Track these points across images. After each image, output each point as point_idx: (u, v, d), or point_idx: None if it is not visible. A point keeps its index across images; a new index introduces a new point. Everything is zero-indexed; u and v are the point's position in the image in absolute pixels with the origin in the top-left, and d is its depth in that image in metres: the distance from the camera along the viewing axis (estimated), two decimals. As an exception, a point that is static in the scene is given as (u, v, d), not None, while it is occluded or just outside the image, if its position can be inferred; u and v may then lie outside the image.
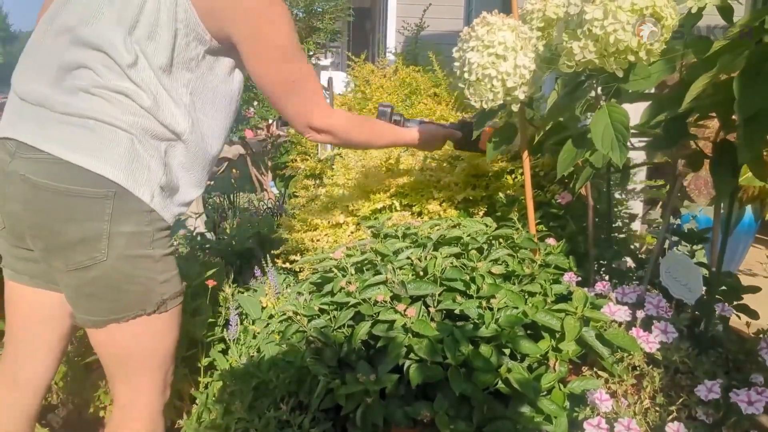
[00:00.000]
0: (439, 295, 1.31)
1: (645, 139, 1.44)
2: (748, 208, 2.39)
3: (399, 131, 1.49)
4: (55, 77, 1.07)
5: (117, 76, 1.05)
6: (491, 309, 1.25)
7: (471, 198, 2.02)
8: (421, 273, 1.39)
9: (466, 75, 1.36)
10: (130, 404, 1.17)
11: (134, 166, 1.04)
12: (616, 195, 2.02)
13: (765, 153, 1.23)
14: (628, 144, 1.23)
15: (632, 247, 1.91)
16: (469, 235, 1.50)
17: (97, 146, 1.02)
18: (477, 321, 1.25)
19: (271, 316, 1.69)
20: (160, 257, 1.09)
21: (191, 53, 1.10)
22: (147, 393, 1.16)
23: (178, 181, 1.14)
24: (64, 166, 1.01)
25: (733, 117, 1.10)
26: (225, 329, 1.69)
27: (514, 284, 1.38)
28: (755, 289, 1.48)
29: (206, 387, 1.62)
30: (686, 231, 1.74)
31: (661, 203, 2.62)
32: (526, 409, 1.19)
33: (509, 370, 1.18)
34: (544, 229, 1.63)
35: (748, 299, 1.47)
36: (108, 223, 1.02)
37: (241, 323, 1.72)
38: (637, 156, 1.98)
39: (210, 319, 1.68)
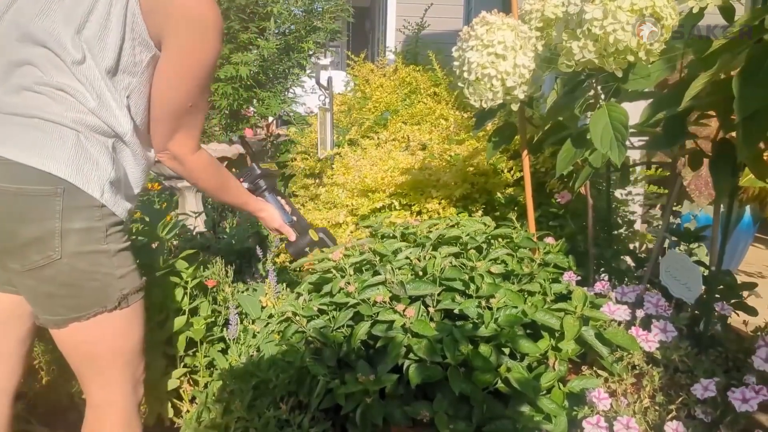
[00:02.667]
0: (438, 294, 1.31)
1: (645, 138, 1.44)
2: (748, 207, 2.40)
3: (247, 197, 1.46)
4: (2, 76, 1.07)
5: (62, 74, 1.05)
6: (490, 308, 1.25)
7: (468, 195, 2.03)
8: (420, 273, 1.39)
9: (465, 74, 1.36)
10: (102, 404, 1.16)
11: (82, 162, 1.04)
12: (617, 195, 2.02)
13: (766, 155, 1.23)
14: (627, 143, 1.23)
15: (632, 246, 1.91)
16: (468, 235, 1.49)
17: (44, 144, 1.02)
18: (476, 320, 1.25)
19: (270, 316, 1.69)
20: (115, 252, 1.09)
21: (136, 58, 1.10)
22: (118, 391, 1.16)
23: (126, 177, 1.14)
24: (10, 166, 1.00)
25: (733, 116, 1.10)
26: (224, 328, 1.69)
27: (513, 283, 1.37)
28: (752, 286, 1.48)
29: (206, 386, 1.62)
30: (682, 230, 1.74)
31: (660, 204, 2.62)
32: (525, 408, 1.19)
33: (509, 370, 1.17)
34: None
35: (748, 298, 1.47)
36: (59, 220, 1.01)
37: (241, 323, 1.71)
38: (639, 156, 1.98)
39: (209, 319, 1.68)
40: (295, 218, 1.57)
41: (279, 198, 1.58)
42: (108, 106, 1.07)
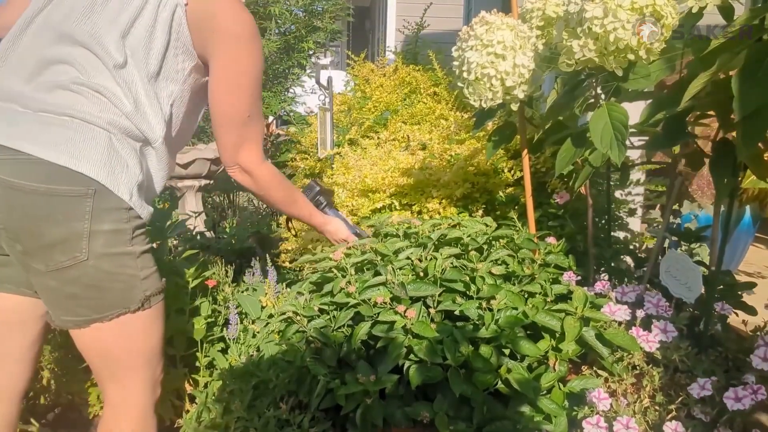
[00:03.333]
0: (439, 295, 1.31)
1: (644, 137, 1.44)
2: (748, 207, 2.40)
3: (312, 210, 1.49)
4: (31, 73, 1.07)
5: (101, 75, 1.05)
6: (491, 310, 1.25)
7: (469, 195, 2.02)
8: (421, 274, 1.39)
9: (465, 74, 1.36)
10: (120, 403, 1.16)
11: (113, 164, 1.04)
12: (617, 195, 2.02)
13: (767, 155, 1.23)
14: (627, 143, 1.23)
15: (632, 246, 1.91)
16: (469, 236, 1.49)
17: (76, 144, 1.02)
18: (477, 322, 1.25)
19: (270, 316, 1.69)
20: (139, 254, 1.09)
21: (179, 66, 1.12)
22: (136, 391, 1.16)
23: (150, 180, 1.16)
24: (41, 165, 1.00)
25: (732, 116, 1.10)
26: (224, 328, 1.69)
27: (514, 284, 1.37)
28: (750, 286, 1.48)
29: (206, 386, 1.62)
30: (683, 230, 1.74)
31: (660, 204, 2.62)
32: (526, 409, 1.19)
33: (509, 371, 1.17)
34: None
35: (748, 299, 1.47)
36: (88, 221, 1.01)
37: (241, 322, 1.71)
38: (638, 156, 1.98)
39: (209, 319, 1.68)
40: (357, 230, 1.61)
41: (340, 212, 1.62)
42: (143, 112, 1.08)
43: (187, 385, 1.66)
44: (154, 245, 1.71)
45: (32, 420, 1.69)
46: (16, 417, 1.25)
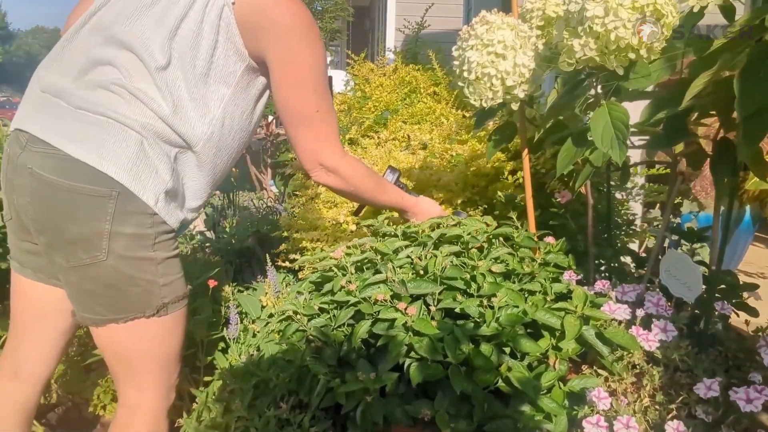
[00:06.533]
0: (440, 293, 1.31)
1: (645, 137, 1.44)
2: (748, 207, 2.40)
3: (402, 194, 1.46)
4: (79, 72, 1.08)
5: (141, 79, 1.05)
6: (492, 307, 1.25)
7: (469, 199, 2.02)
8: (422, 272, 1.39)
9: (465, 74, 1.36)
10: (134, 405, 1.17)
11: (141, 168, 1.04)
12: (616, 195, 2.02)
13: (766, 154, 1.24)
14: (628, 142, 1.23)
15: (631, 246, 1.91)
16: (469, 234, 1.49)
17: (107, 145, 1.02)
18: (477, 320, 1.25)
19: (271, 315, 1.69)
20: (162, 260, 1.09)
21: (230, 68, 1.10)
22: (150, 394, 1.16)
23: (184, 188, 1.14)
24: (70, 161, 1.00)
25: (733, 116, 1.10)
26: (225, 328, 1.69)
27: (514, 283, 1.37)
28: (753, 287, 1.48)
29: (206, 386, 1.62)
30: (685, 229, 1.74)
31: (659, 204, 2.62)
32: (526, 408, 1.19)
33: (509, 369, 1.17)
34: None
35: (752, 301, 1.47)
36: (109, 223, 1.02)
37: (241, 322, 1.71)
38: (638, 155, 1.98)
39: (210, 319, 1.68)
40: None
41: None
42: (184, 114, 1.07)
43: (187, 385, 1.66)
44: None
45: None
46: (35, 404, 1.28)
